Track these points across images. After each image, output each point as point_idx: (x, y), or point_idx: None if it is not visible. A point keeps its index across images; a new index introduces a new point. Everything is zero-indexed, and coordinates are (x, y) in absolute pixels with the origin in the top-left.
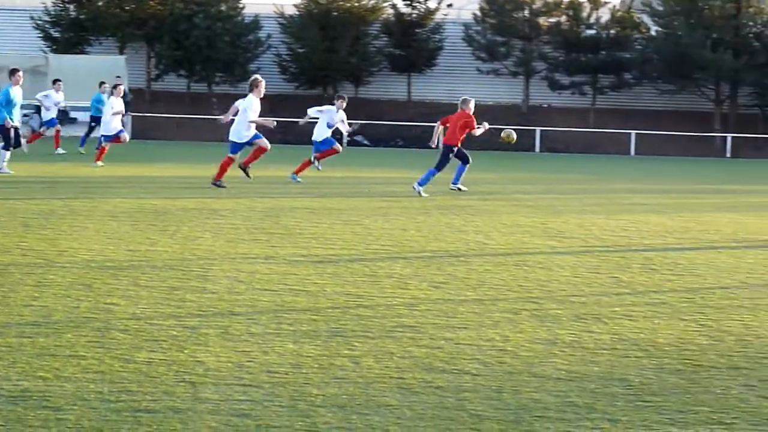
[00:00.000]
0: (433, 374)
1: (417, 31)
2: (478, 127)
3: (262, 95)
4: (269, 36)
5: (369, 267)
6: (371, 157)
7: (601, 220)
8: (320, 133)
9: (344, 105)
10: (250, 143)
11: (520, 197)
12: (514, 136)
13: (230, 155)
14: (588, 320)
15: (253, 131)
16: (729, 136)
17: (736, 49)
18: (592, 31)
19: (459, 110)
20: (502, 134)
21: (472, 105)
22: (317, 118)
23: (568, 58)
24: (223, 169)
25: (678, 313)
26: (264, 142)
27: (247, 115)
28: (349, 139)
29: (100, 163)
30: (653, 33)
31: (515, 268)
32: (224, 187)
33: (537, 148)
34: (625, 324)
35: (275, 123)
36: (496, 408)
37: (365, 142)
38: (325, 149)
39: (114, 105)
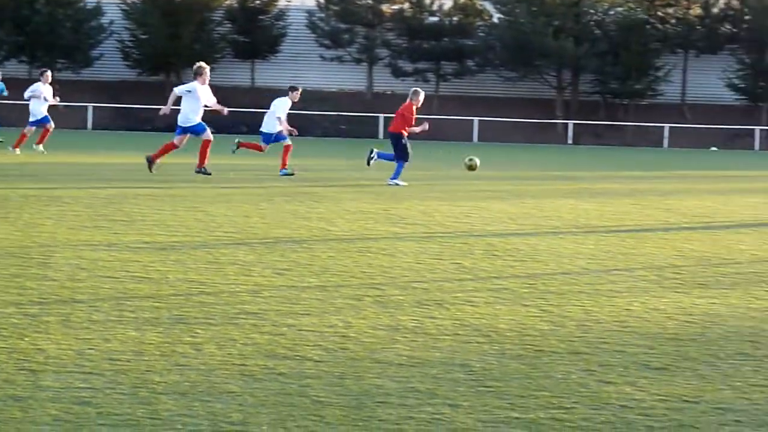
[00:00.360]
0: (276, 361)
1: (260, 17)
2: (416, 126)
3: (206, 83)
4: (112, 22)
5: (212, 254)
6: (215, 143)
7: (444, 207)
8: (271, 125)
9: (297, 97)
10: (195, 132)
11: (364, 184)
12: (476, 162)
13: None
14: (430, 306)
15: (199, 118)
16: (570, 122)
17: (578, 36)
18: (435, 18)
19: (407, 100)
20: (467, 162)
21: (420, 97)
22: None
23: (411, 45)
24: (165, 151)
25: (519, 298)
26: (208, 134)
27: (196, 101)
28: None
29: None
30: (495, 20)
31: (358, 255)
32: (209, 173)
33: (381, 135)
34: (467, 310)
35: (227, 110)
36: (338, 394)
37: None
38: (276, 142)
39: None
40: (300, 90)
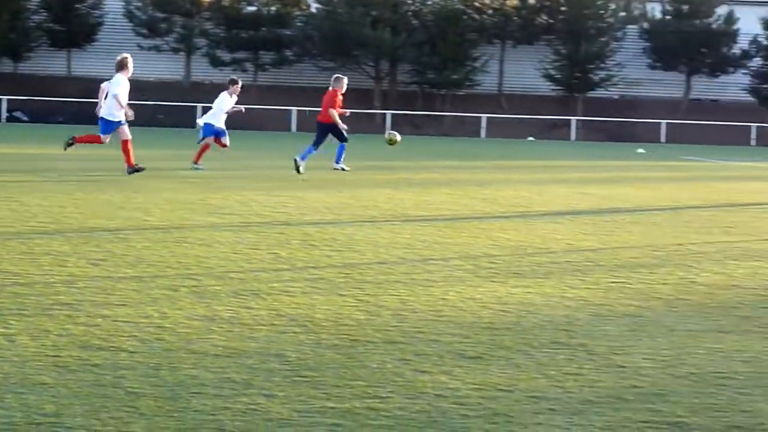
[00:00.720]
0: (90, 352)
1: (77, 6)
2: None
3: (130, 74)
4: None
5: (26, 244)
6: (31, 133)
7: (261, 197)
8: (215, 120)
9: (238, 90)
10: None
11: (183, 174)
12: (397, 137)
13: (102, 135)
14: (247, 296)
15: (123, 114)
16: (389, 113)
17: (395, 27)
18: (253, 8)
19: (330, 88)
20: (387, 136)
21: (343, 83)
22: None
23: (229, 34)
24: (89, 141)
25: (336, 288)
26: (125, 131)
27: (118, 96)
28: (8, 115)
29: None
30: (314, 11)
31: (175, 245)
32: (142, 169)
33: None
34: (284, 300)
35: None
36: (153, 385)
37: (24, 118)
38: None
39: None
40: (240, 83)
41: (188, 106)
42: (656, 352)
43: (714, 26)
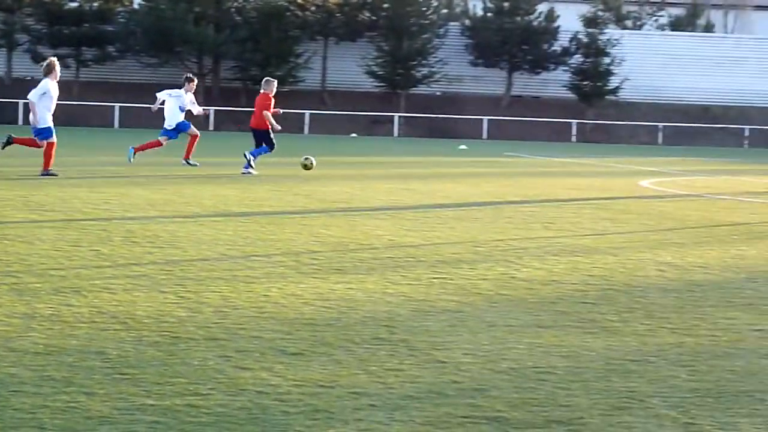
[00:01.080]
0: None
1: None
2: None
3: (58, 78)
4: None
5: None
6: None
7: (83, 193)
8: (172, 117)
9: (194, 87)
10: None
11: (4, 171)
12: (313, 162)
13: (49, 140)
14: (67, 293)
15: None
16: (212, 109)
17: (218, 23)
18: (75, 4)
19: (262, 91)
20: (303, 161)
21: (273, 86)
22: (163, 103)
23: (51, 30)
24: (47, 155)
25: (158, 285)
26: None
27: (50, 101)
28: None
29: None
30: (136, 6)
31: None
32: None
33: (20, 121)
34: (105, 297)
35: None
36: None
37: None
38: (180, 133)
39: None
40: (195, 81)
41: (9, 102)
42: (476, 347)
43: (535, 24)
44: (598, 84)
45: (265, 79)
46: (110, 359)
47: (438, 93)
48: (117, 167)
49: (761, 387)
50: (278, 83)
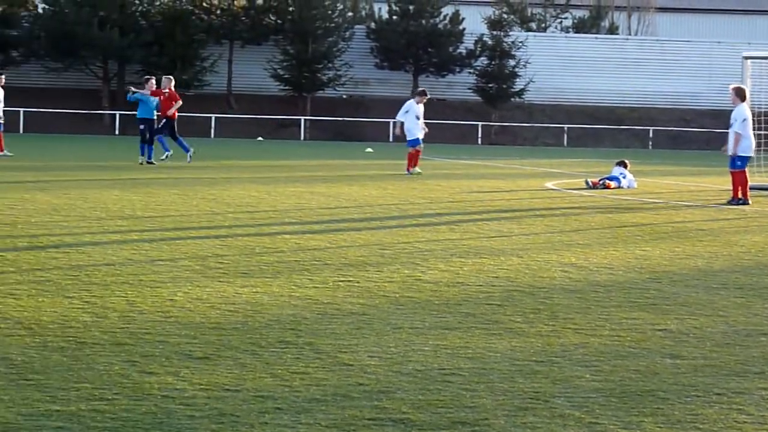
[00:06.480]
0: None
1: None
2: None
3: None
4: None
5: None
6: None
7: None
8: (413, 130)
9: (424, 100)
10: None
11: None
12: None
13: None
14: None
15: None
16: (118, 113)
17: (123, 27)
18: None
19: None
20: None
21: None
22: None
23: None
24: None
25: (62, 290)
26: None
27: None
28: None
29: None
30: (41, 11)
31: None
32: None
33: None
34: (9, 302)
35: None
36: None
37: None
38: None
39: None
40: (426, 94)
41: None
42: (382, 349)
43: (440, 26)
44: (504, 86)
45: (164, 76)
46: (15, 365)
47: (344, 96)
48: (19, 172)
49: (664, 386)
50: (184, 86)
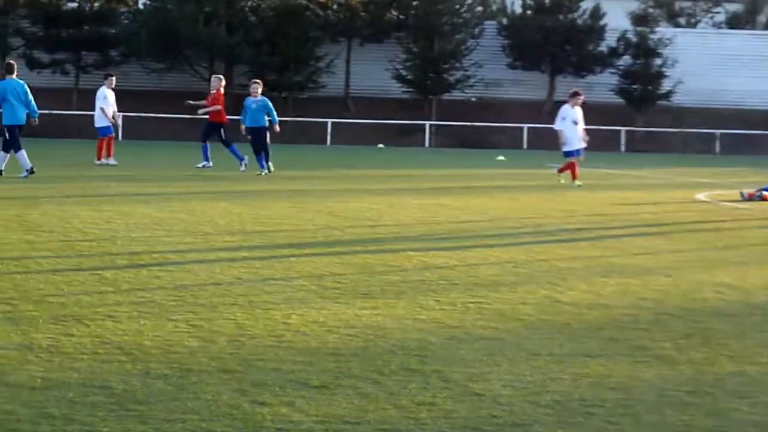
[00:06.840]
0: None
1: None
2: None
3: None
4: None
5: None
6: None
7: (83, 212)
8: (571, 139)
9: (580, 101)
10: None
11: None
12: None
13: None
14: (68, 322)
15: None
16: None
17: (231, 23)
18: (75, 4)
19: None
20: None
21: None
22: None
23: (48, 33)
24: None
25: (166, 312)
26: None
27: None
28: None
29: None
30: (141, 6)
31: None
32: None
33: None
34: (108, 326)
35: None
36: None
37: None
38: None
39: None
40: (582, 95)
41: None
42: (517, 378)
43: (579, 22)
44: (649, 88)
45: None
46: (115, 394)
47: (473, 99)
48: (118, 183)
49: None
50: (297, 89)
